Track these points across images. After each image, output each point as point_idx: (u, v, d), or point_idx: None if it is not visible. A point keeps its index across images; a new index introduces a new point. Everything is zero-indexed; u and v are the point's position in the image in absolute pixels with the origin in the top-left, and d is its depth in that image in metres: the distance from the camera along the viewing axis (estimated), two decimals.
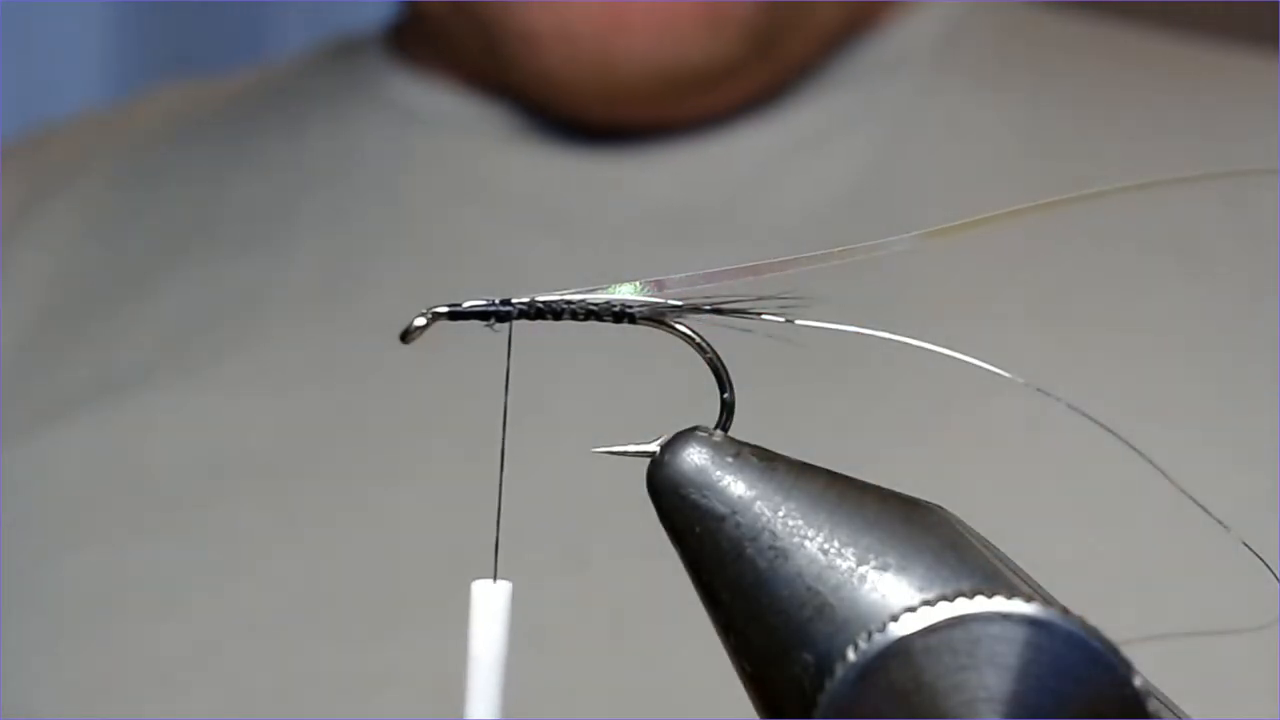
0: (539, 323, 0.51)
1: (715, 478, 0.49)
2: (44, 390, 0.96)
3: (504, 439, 0.51)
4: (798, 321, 0.51)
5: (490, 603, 0.49)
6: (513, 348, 0.51)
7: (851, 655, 0.46)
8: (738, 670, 0.49)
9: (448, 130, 1.00)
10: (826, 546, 0.48)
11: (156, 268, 1.00)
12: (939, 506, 0.49)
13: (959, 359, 0.52)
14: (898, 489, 0.49)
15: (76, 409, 0.95)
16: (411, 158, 1.00)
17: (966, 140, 0.99)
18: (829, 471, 0.49)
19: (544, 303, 0.51)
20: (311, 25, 1.79)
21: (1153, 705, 0.46)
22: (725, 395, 0.51)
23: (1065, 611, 0.46)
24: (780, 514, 0.48)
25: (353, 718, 0.86)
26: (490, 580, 0.49)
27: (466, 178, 0.99)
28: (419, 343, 0.51)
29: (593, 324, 0.51)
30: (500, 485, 0.51)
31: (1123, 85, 1.02)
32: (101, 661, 0.88)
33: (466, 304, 0.51)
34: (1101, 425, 0.52)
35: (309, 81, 1.08)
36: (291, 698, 0.86)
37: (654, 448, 0.50)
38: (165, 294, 0.98)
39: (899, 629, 0.46)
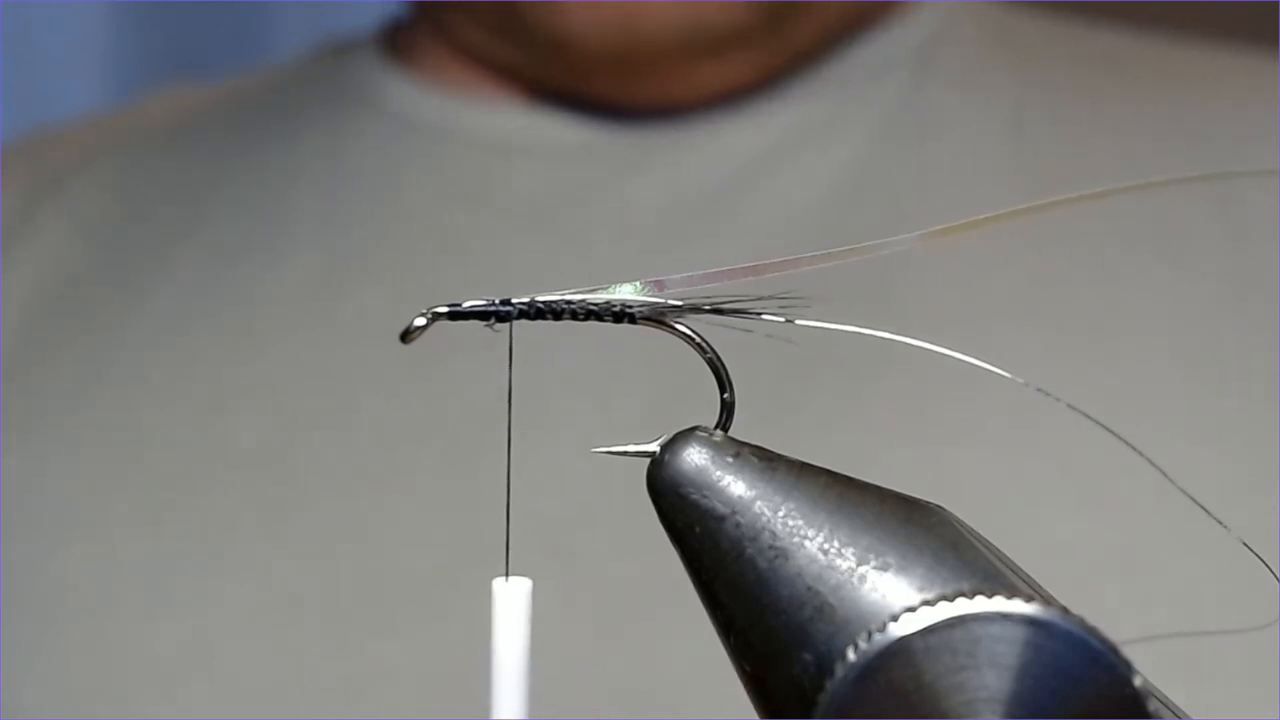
0: (539, 323, 0.51)
1: (715, 478, 0.49)
2: (41, 390, 0.96)
3: (509, 439, 0.51)
4: (798, 321, 0.51)
5: (512, 601, 0.49)
6: (513, 348, 0.51)
7: (851, 655, 0.46)
8: (738, 670, 0.49)
9: (442, 133, 1.00)
10: (826, 546, 0.48)
11: (154, 269, 1.00)
12: (939, 507, 0.49)
13: (959, 359, 0.52)
14: (897, 489, 0.49)
15: (73, 409, 0.95)
16: (407, 160, 1.00)
17: (956, 140, 0.99)
18: (829, 471, 0.49)
19: (544, 303, 0.51)
20: (312, 26, 1.79)
21: (1153, 705, 0.46)
22: (725, 395, 0.51)
23: (1065, 611, 0.46)
24: (780, 514, 0.48)
25: (348, 717, 0.86)
26: (507, 579, 0.49)
27: (462, 180, 0.99)
28: (416, 343, 0.51)
29: (593, 324, 0.51)
30: (508, 484, 0.51)
31: (1111, 87, 1.02)
32: (97, 660, 0.88)
33: (466, 304, 0.51)
34: (1103, 426, 0.52)
35: (304, 85, 1.08)
36: (288, 697, 0.86)
37: (654, 448, 0.49)
38: (162, 295, 0.98)
39: (899, 629, 0.46)
